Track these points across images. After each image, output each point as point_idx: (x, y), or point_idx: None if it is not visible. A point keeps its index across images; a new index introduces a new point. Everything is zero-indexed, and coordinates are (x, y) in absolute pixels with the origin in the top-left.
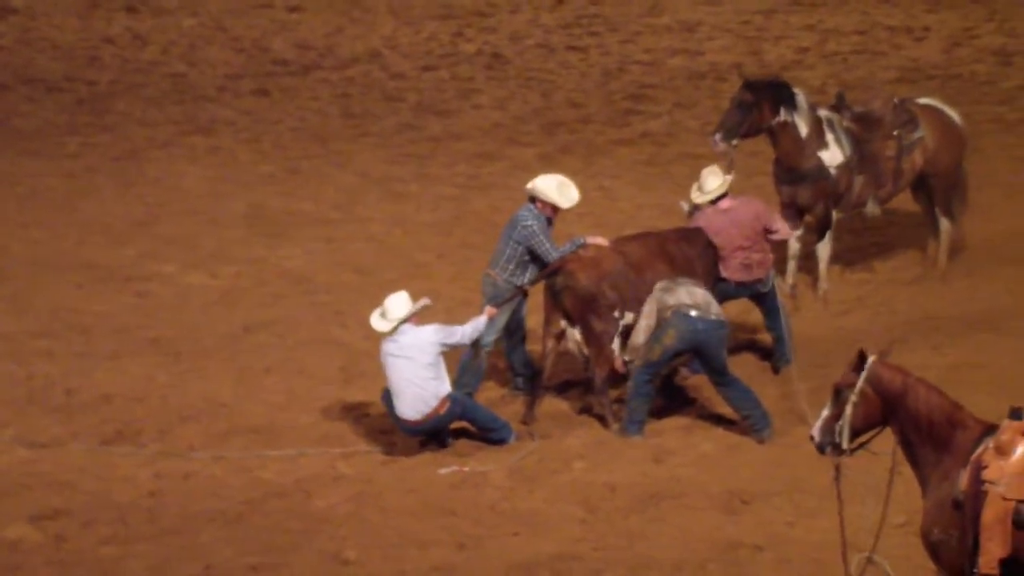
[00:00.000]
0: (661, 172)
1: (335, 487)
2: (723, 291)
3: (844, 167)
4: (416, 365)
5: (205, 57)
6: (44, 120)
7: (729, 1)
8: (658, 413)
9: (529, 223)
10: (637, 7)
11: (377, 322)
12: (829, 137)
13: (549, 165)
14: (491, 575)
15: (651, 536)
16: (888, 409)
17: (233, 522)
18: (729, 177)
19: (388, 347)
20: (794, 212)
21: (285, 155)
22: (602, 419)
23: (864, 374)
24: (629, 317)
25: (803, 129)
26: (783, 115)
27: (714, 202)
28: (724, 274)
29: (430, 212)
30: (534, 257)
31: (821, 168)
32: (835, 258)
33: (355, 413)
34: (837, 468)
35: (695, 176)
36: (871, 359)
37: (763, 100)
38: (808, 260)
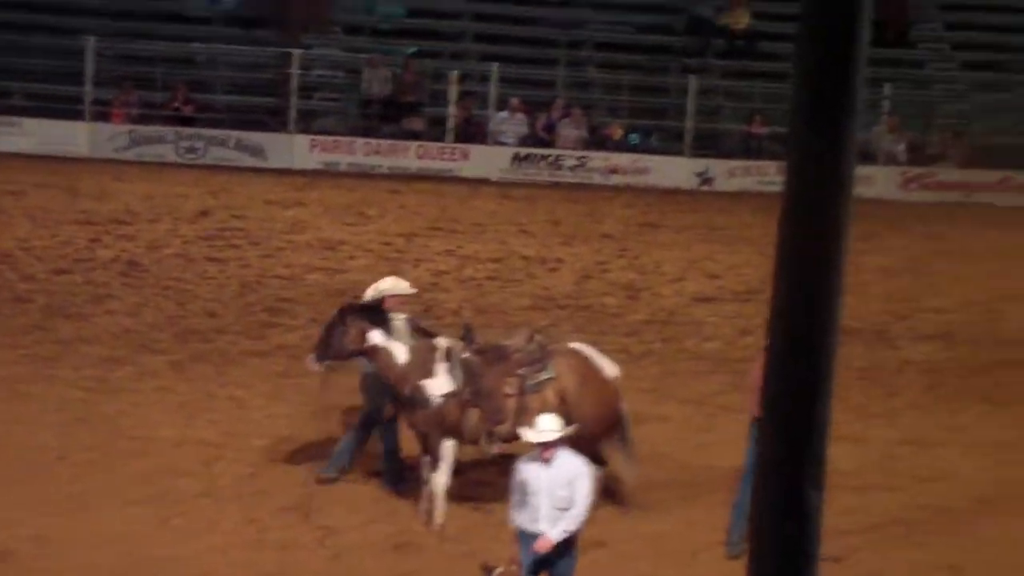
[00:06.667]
0: (294, 384)
1: None
2: None
3: (451, 397)
4: None
5: None
6: None
7: (372, 222)
8: None
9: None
10: (280, 223)
11: None
12: (440, 366)
13: (180, 372)
14: None
15: None
16: None
17: None
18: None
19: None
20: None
21: None
22: None
23: None
24: None
25: (401, 355)
26: (378, 339)
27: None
28: None
29: (54, 413)
30: None
31: (420, 395)
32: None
33: None
34: None
35: (327, 386)
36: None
37: (352, 323)
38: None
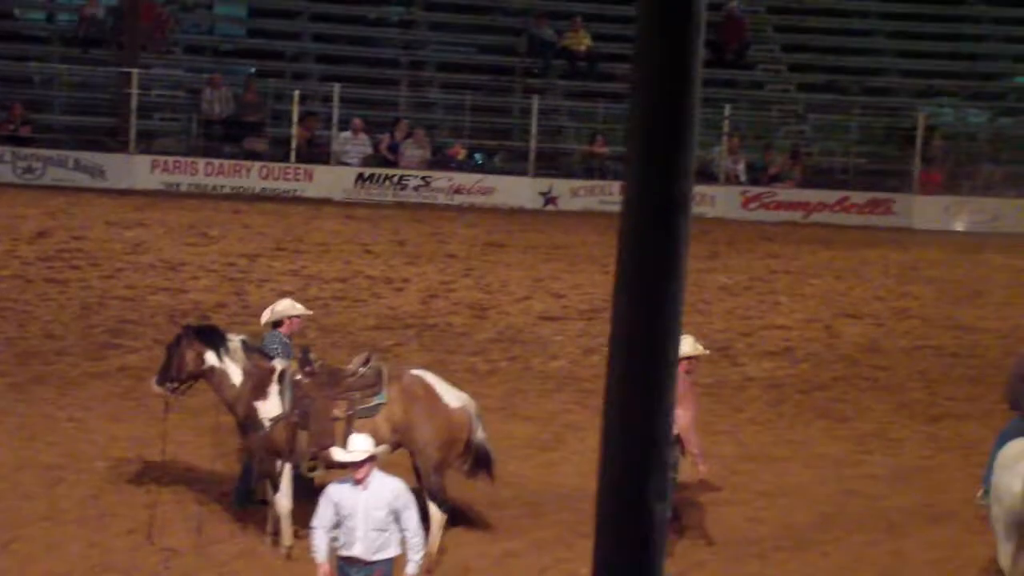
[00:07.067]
0: (136, 405)
1: None
2: None
3: (281, 419)
4: None
5: None
6: None
7: (214, 243)
8: None
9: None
10: (120, 244)
11: None
12: (273, 388)
13: (20, 394)
14: None
15: None
16: None
17: None
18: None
19: None
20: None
21: None
22: None
23: None
24: None
25: (236, 376)
26: (213, 360)
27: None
28: None
29: None
30: None
31: (253, 418)
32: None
33: None
34: None
35: (170, 408)
36: None
37: (189, 345)
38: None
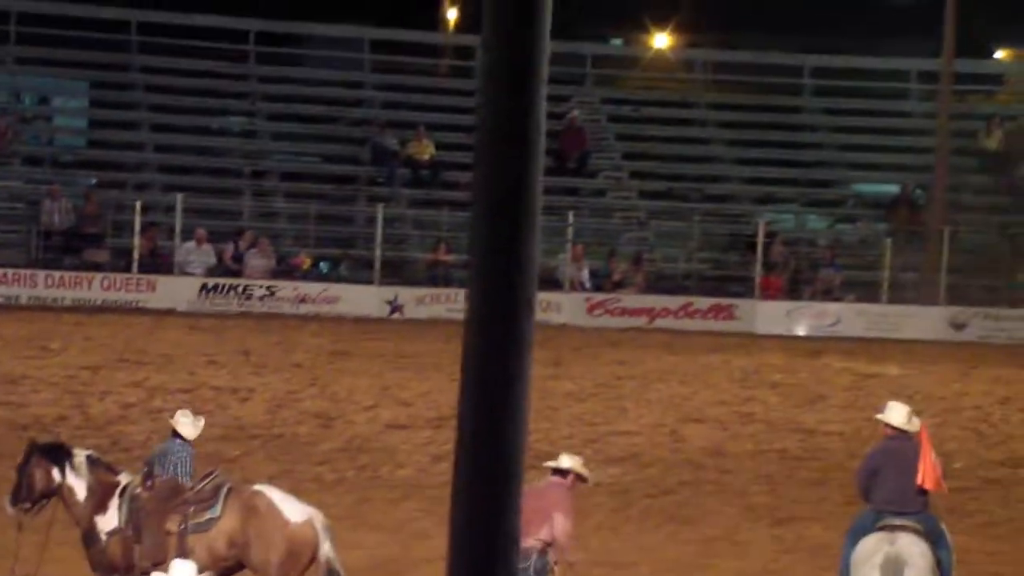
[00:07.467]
0: None
1: None
2: None
3: (116, 533)
4: None
5: None
6: None
7: (55, 355)
8: None
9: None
10: None
11: None
12: (113, 502)
13: None
14: None
15: None
16: None
17: None
18: None
19: None
20: None
21: None
22: None
23: None
24: None
25: (81, 492)
26: (59, 477)
27: None
28: None
29: None
30: None
31: (92, 532)
32: None
33: None
34: None
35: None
36: None
37: (37, 463)
38: None
